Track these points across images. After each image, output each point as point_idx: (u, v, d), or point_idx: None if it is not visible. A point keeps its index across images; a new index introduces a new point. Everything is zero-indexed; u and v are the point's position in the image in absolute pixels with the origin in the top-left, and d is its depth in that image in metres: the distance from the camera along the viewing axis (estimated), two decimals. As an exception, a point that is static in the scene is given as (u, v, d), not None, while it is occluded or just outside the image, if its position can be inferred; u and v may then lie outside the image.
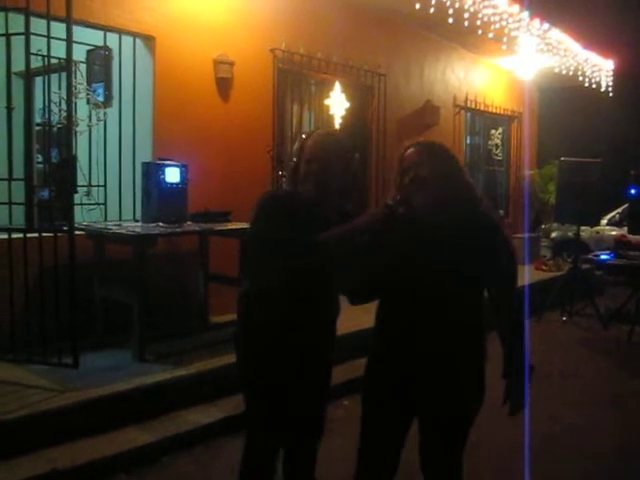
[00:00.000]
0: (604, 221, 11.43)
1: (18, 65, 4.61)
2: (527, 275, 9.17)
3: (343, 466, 2.73)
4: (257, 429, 2.78)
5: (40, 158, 5.44)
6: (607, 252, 10.61)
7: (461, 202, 2.42)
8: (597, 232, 11.61)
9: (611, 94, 10.97)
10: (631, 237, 9.53)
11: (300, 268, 2.53)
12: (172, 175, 5.36)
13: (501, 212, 11.31)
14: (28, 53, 4.45)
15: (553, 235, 12.21)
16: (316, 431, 2.88)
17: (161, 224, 5.15)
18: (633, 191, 8.09)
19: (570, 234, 10.37)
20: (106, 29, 5.48)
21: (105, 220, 5.61)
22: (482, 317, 2.49)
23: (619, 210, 11.73)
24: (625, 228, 9.56)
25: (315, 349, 2.74)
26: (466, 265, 2.38)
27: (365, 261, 2.49)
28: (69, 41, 4.47)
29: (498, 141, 11.09)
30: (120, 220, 5.59)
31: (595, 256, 10.57)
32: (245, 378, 2.80)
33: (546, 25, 8.73)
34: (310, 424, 2.86)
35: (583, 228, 9.06)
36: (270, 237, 2.54)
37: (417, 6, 7.14)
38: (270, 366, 2.68)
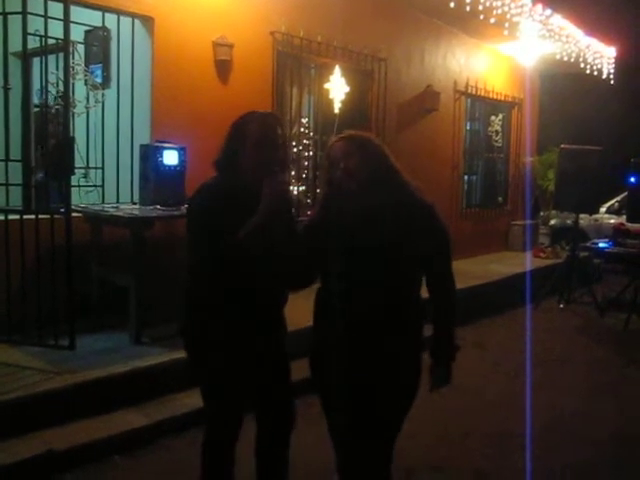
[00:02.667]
0: (603, 209, 11.44)
1: (15, 45, 4.58)
2: (527, 262, 9.20)
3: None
4: (209, 415, 2.83)
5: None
6: (605, 240, 10.61)
7: (388, 186, 2.49)
8: (596, 220, 11.62)
9: (612, 82, 10.92)
10: (630, 225, 9.51)
11: (228, 263, 2.53)
12: (170, 158, 5.33)
13: (500, 199, 11.30)
14: (25, 33, 4.42)
15: (552, 222, 12.21)
16: (284, 416, 2.84)
17: (159, 207, 5.13)
18: (633, 179, 8.07)
19: (569, 222, 10.37)
20: (104, 9, 5.43)
21: (102, 202, 5.60)
22: (417, 300, 2.54)
23: (618, 198, 11.73)
24: (624, 216, 9.56)
25: (256, 331, 2.69)
26: (396, 245, 2.41)
27: (295, 250, 2.55)
28: (67, 21, 4.44)
29: (498, 127, 11.04)
30: (118, 203, 5.57)
31: (593, 244, 10.57)
32: (194, 364, 2.83)
33: (548, 11, 8.68)
34: (275, 408, 2.83)
35: (582, 216, 9.05)
36: (202, 232, 2.59)
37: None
38: (215, 349, 2.69)
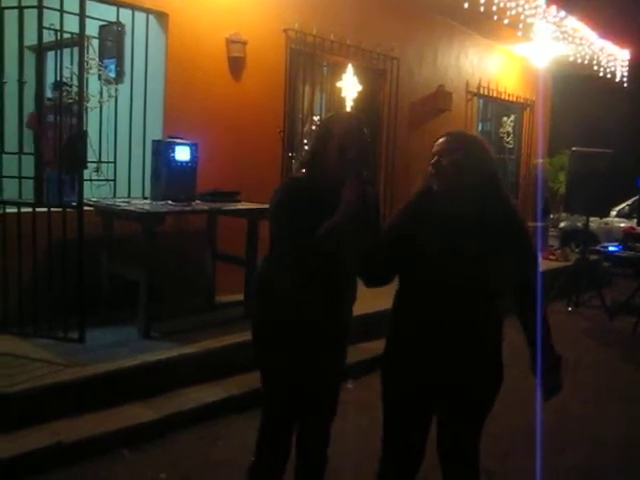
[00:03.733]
0: (613, 212, 11.39)
1: (30, 39, 4.59)
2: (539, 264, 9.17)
3: (347, 446, 2.75)
4: (268, 407, 2.79)
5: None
6: (615, 244, 10.59)
7: (483, 194, 2.42)
8: (606, 223, 11.58)
9: (625, 84, 10.87)
10: (640, 229, 9.50)
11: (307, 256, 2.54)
12: (182, 153, 5.35)
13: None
14: (41, 27, 4.43)
15: (562, 225, 12.18)
16: (328, 411, 2.88)
17: (170, 202, 5.15)
18: (644, 183, 8.05)
19: (579, 224, 10.34)
20: (119, 5, 5.45)
21: (114, 197, 5.61)
22: (498, 305, 2.52)
23: (629, 202, 11.68)
24: (634, 220, 9.53)
25: (326, 327, 2.71)
26: (482, 257, 2.37)
27: (377, 249, 2.50)
28: (82, 16, 4.45)
29: (510, 129, 11.01)
30: (129, 197, 5.59)
31: (603, 247, 10.55)
32: (258, 356, 2.80)
33: (562, 13, 8.65)
34: (322, 403, 2.85)
35: (592, 219, 9.02)
36: (284, 226, 2.59)
37: (433, -10, 7.07)
38: (281, 344, 2.69)
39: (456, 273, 2.37)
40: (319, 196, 2.55)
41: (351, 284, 2.78)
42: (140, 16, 5.64)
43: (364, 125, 2.73)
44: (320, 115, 7.59)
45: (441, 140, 2.51)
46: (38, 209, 4.63)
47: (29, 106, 4.77)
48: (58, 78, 4.72)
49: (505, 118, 10.91)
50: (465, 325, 2.42)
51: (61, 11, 4.46)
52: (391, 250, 2.48)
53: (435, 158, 2.45)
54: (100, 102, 5.67)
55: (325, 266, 2.55)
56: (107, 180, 5.70)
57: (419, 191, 2.52)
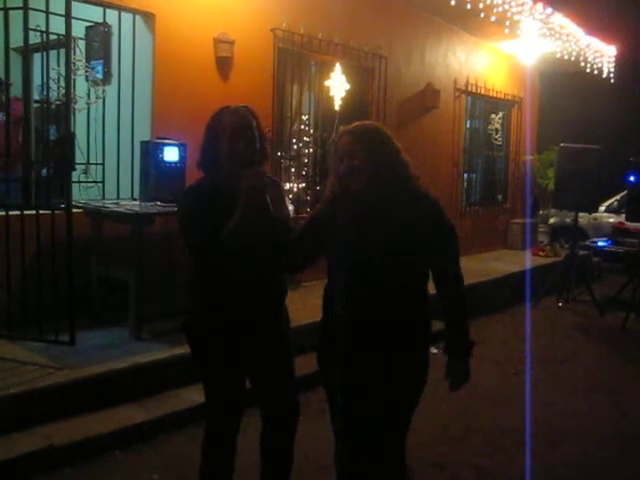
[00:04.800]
0: (602, 208, 11.44)
1: (16, 41, 4.57)
2: (527, 260, 9.21)
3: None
4: (210, 410, 2.83)
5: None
6: (605, 239, 10.65)
7: (395, 182, 2.46)
8: (595, 219, 11.63)
9: (612, 80, 10.92)
10: (629, 224, 9.55)
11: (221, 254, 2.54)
12: (170, 154, 5.34)
13: (499, 197, 11.31)
14: (26, 28, 4.42)
15: (551, 221, 12.23)
16: (289, 411, 2.83)
17: (159, 203, 5.14)
18: (632, 178, 8.08)
19: (568, 220, 10.39)
20: (105, 5, 5.43)
21: (103, 198, 5.60)
22: (426, 297, 2.53)
23: (617, 197, 11.74)
24: (623, 215, 9.57)
25: (254, 326, 2.68)
26: (403, 241, 2.40)
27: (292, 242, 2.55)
28: (68, 17, 4.43)
29: (498, 126, 11.05)
30: (118, 198, 5.58)
31: (593, 243, 10.61)
32: (194, 361, 2.83)
33: (549, 9, 8.66)
34: (279, 403, 2.82)
35: (581, 214, 9.05)
36: (192, 234, 2.62)
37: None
38: (210, 347, 2.71)
39: (377, 263, 2.40)
40: (219, 198, 2.55)
41: (276, 281, 2.76)
42: (127, 17, 5.62)
43: (254, 116, 2.70)
44: (309, 114, 7.59)
45: (345, 139, 2.49)
46: (26, 211, 4.61)
47: (16, 108, 4.75)
48: (45, 80, 4.70)
49: (493, 115, 10.95)
50: (391, 310, 2.43)
51: (47, 12, 4.44)
52: (307, 243, 2.54)
53: (346, 160, 2.44)
54: (88, 103, 5.66)
55: (238, 265, 2.56)
56: (96, 182, 5.69)
57: (333, 186, 2.53)
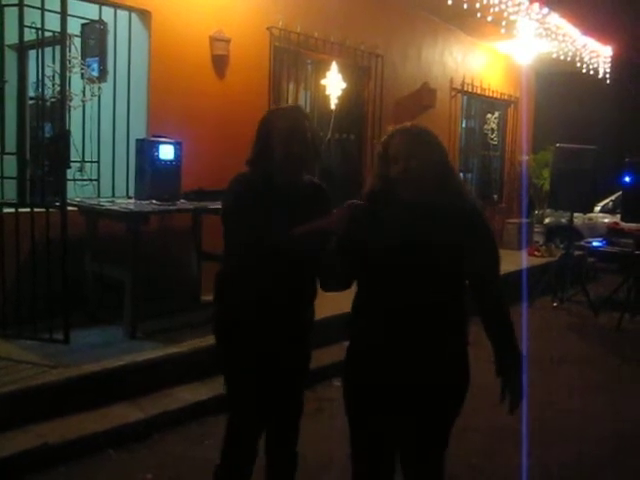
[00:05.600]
0: (597, 208, 11.46)
1: (11, 37, 4.55)
2: (522, 260, 9.21)
3: (330, 445, 2.74)
4: (234, 410, 2.77)
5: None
6: (600, 239, 10.66)
7: (446, 190, 2.36)
8: (590, 219, 11.65)
9: (608, 81, 10.94)
10: (624, 225, 9.54)
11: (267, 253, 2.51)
12: (166, 152, 5.32)
13: (495, 197, 11.32)
14: (22, 25, 4.40)
15: (546, 221, 12.24)
16: (295, 409, 2.83)
17: (154, 202, 5.12)
18: (627, 179, 8.09)
19: (563, 220, 10.39)
20: (101, 3, 5.42)
21: (98, 196, 5.58)
22: (464, 306, 2.43)
23: (612, 198, 11.75)
24: (618, 216, 9.58)
25: (285, 326, 2.67)
26: (448, 253, 2.31)
27: (337, 258, 2.43)
28: (64, 14, 4.42)
29: (494, 125, 11.06)
30: (113, 197, 5.56)
31: (587, 243, 10.61)
32: (220, 359, 2.79)
33: (545, 9, 8.68)
34: (288, 402, 2.81)
35: (576, 215, 9.07)
36: (240, 222, 2.57)
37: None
38: (240, 347, 2.68)
39: (416, 272, 2.31)
40: (270, 189, 2.55)
41: (310, 284, 2.72)
42: (122, 14, 5.61)
43: (307, 117, 2.72)
44: (305, 113, 7.57)
45: (399, 139, 2.38)
46: (21, 209, 4.59)
47: (11, 106, 4.72)
48: (40, 77, 4.68)
49: (489, 115, 10.96)
50: (429, 314, 2.34)
51: (42, 9, 4.42)
52: (345, 254, 2.41)
53: (400, 163, 2.32)
54: (83, 101, 5.64)
55: (285, 266, 2.53)
56: (91, 180, 5.67)
57: (371, 193, 2.44)
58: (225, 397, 2.79)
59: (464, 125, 10.52)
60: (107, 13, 5.55)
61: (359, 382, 2.46)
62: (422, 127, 2.47)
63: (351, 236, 2.37)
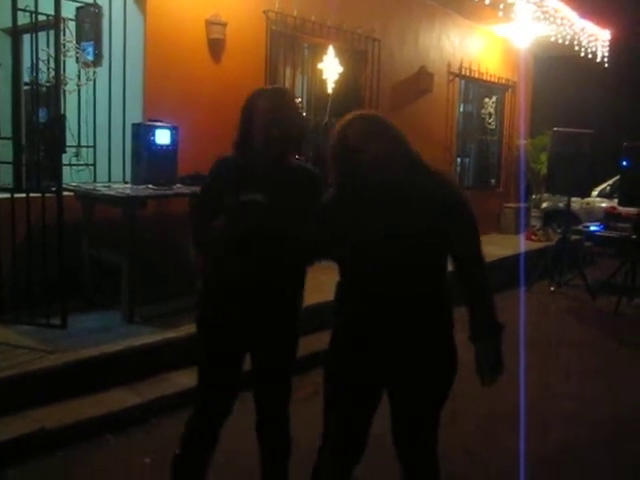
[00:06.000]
0: (595, 193, 11.45)
1: (5, 21, 4.52)
2: (520, 244, 9.22)
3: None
4: (204, 389, 2.76)
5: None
6: (597, 223, 10.66)
7: (417, 170, 2.35)
8: (587, 203, 11.64)
9: (606, 65, 10.89)
10: (621, 209, 9.55)
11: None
12: (162, 137, 5.30)
13: (492, 181, 11.31)
14: (15, 9, 4.36)
15: (543, 205, 12.23)
16: (281, 395, 2.77)
17: (151, 186, 5.11)
18: (625, 163, 8.08)
19: (561, 205, 10.38)
20: (96, -14, 5.38)
21: (94, 181, 5.56)
22: (446, 282, 2.41)
23: (610, 182, 11.74)
24: (615, 200, 9.58)
25: (263, 316, 2.62)
26: (422, 227, 2.29)
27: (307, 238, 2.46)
28: (58, -3, 4.38)
29: (491, 110, 11.02)
30: (109, 181, 5.54)
31: (585, 227, 10.62)
32: (198, 346, 2.79)
33: (543, -8, 8.63)
34: (273, 388, 2.76)
35: (574, 199, 9.06)
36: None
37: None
38: (217, 338, 2.70)
39: (394, 250, 2.29)
40: (247, 176, 2.51)
41: (290, 270, 2.66)
42: (117, -3, 5.56)
43: (292, 99, 2.65)
44: (301, 97, 7.54)
45: (357, 129, 2.33)
46: (17, 194, 4.58)
47: (5, 90, 4.71)
48: (34, 61, 4.65)
49: (487, 99, 10.92)
50: (414, 299, 2.32)
51: (36, -8, 4.38)
52: (322, 238, 2.43)
53: (366, 151, 2.29)
54: (78, 85, 5.60)
55: (256, 252, 2.52)
56: (87, 164, 5.65)
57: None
58: (197, 384, 2.79)
59: (462, 109, 10.48)
60: (102, -4, 5.51)
61: (345, 370, 2.45)
62: (373, 113, 2.49)
63: (326, 225, 2.39)
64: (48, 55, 4.94)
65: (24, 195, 4.55)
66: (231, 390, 2.74)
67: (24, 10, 4.52)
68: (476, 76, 10.19)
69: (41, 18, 4.57)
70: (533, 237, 10.30)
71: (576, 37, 9.92)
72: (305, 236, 2.46)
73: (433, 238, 2.31)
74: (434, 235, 2.31)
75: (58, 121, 4.61)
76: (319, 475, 2.63)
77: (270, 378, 2.77)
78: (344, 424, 2.50)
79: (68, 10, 5.41)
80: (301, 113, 2.67)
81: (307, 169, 2.74)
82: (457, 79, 9.89)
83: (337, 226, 2.36)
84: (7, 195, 4.59)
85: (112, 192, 4.88)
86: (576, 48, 10.12)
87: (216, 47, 6.20)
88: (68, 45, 5.54)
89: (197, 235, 2.69)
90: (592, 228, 10.52)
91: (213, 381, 2.73)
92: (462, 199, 2.43)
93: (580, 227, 10.63)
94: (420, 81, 8.91)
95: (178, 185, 5.31)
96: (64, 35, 5.29)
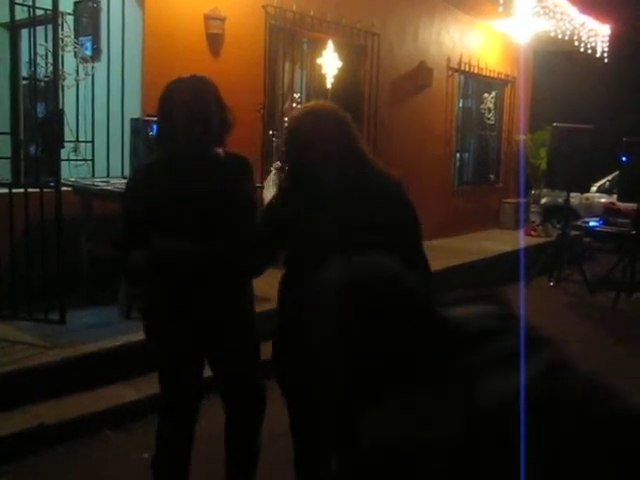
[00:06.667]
0: (594, 188, 11.45)
1: (2, 16, 4.51)
2: (519, 240, 9.22)
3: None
4: (167, 397, 2.71)
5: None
6: (596, 219, 10.66)
7: (350, 162, 2.33)
8: (587, 199, 11.63)
9: (606, 60, 10.87)
10: (620, 205, 9.55)
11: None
12: (161, 132, 5.28)
13: (492, 176, 11.30)
14: (13, 3, 4.34)
15: (543, 201, 12.23)
16: (253, 401, 2.72)
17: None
18: (624, 158, 8.08)
19: (560, 200, 10.37)
20: (94, -20, 5.36)
21: (93, 176, 5.55)
22: None
23: (609, 177, 11.73)
24: (615, 195, 9.58)
25: (216, 304, 2.54)
26: (360, 222, 2.26)
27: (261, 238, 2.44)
28: (55, -9, 4.36)
29: (491, 105, 11.00)
30: (108, 177, 5.53)
31: (584, 223, 10.62)
32: (149, 343, 2.73)
33: (543, -13, 8.61)
34: (245, 386, 2.70)
35: (573, 195, 9.06)
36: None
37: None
38: (169, 325, 2.60)
39: (333, 244, 2.25)
40: (165, 173, 2.44)
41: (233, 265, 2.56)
42: (116, -8, 5.54)
43: (208, 88, 2.51)
44: (300, 92, 7.53)
45: (308, 125, 2.31)
46: (15, 189, 4.57)
47: (3, 85, 4.69)
48: (32, 56, 4.64)
49: (486, 94, 10.90)
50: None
51: (34, -14, 4.37)
52: (274, 234, 2.43)
53: (316, 149, 2.28)
54: (77, 80, 5.59)
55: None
56: (85, 160, 5.63)
57: (293, 176, 2.41)
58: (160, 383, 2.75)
59: (461, 105, 10.47)
60: (100, -9, 5.49)
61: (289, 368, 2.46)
62: (325, 105, 2.45)
63: (276, 220, 2.41)
64: (46, 50, 4.92)
65: (22, 190, 4.55)
66: (193, 392, 2.69)
67: (22, 5, 4.51)
68: (475, 71, 10.17)
69: (39, 13, 4.56)
70: (532, 232, 10.30)
71: (576, 32, 9.89)
72: (257, 227, 2.46)
73: (377, 234, 2.26)
74: (378, 232, 2.26)
75: (56, 116, 4.59)
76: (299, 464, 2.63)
77: (231, 381, 2.72)
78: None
79: (66, 4, 5.40)
80: (222, 101, 2.56)
81: (236, 155, 2.64)
82: (456, 74, 9.87)
83: (286, 218, 2.36)
84: (5, 190, 4.58)
85: (110, 187, 4.87)
86: (576, 43, 10.09)
87: (215, 42, 6.18)
88: (66, 40, 5.53)
89: (118, 250, 2.62)
90: (591, 224, 10.53)
91: (174, 384, 2.68)
92: (409, 202, 2.42)
93: (579, 223, 10.64)
94: (419, 76, 8.89)
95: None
96: (62, 30, 5.28)
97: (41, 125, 4.68)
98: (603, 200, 11.41)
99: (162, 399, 2.74)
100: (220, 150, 2.56)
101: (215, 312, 2.56)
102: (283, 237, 2.42)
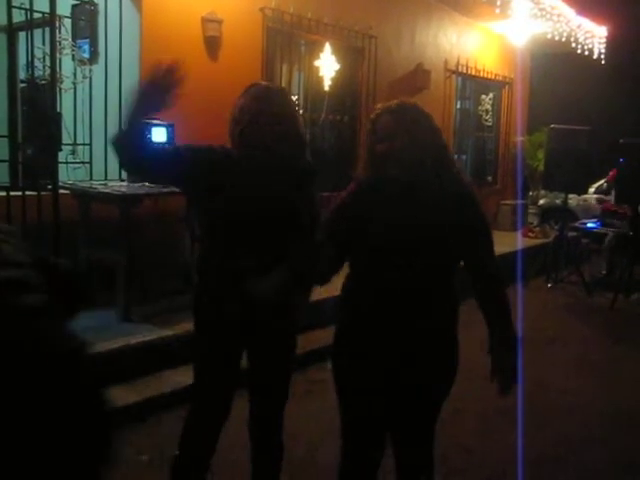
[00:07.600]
0: (592, 189, 11.46)
1: (0, 19, 4.50)
2: (517, 241, 9.23)
3: (318, 427, 2.73)
4: (197, 395, 2.72)
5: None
6: (594, 220, 10.66)
7: (433, 165, 2.32)
8: (584, 200, 11.64)
9: (603, 62, 10.89)
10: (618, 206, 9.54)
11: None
12: (158, 135, 5.28)
13: (489, 178, 11.31)
14: (10, 6, 4.35)
15: (541, 202, 12.24)
16: (278, 395, 2.74)
17: (147, 184, 5.09)
18: (621, 160, 8.08)
19: (558, 202, 10.39)
20: (91, -17, 5.36)
21: (90, 179, 5.55)
22: (454, 287, 2.40)
23: (607, 179, 11.74)
24: (612, 197, 9.59)
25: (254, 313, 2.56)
26: (437, 229, 2.28)
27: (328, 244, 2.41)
28: (53, -6, 4.37)
29: (488, 107, 11.03)
30: (106, 179, 5.53)
31: (582, 224, 10.62)
32: (195, 345, 2.76)
33: (540, -11, 8.63)
34: (270, 388, 2.73)
35: (571, 196, 9.07)
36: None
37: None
38: (209, 328, 2.66)
39: (407, 249, 2.28)
40: (228, 165, 2.58)
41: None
42: (113, -5, 5.54)
43: (278, 98, 2.59)
44: (298, 95, 7.53)
45: (385, 119, 2.34)
46: (12, 192, 4.56)
47: (1, 88, 4.69)
48: (30, 59, 4.65)
49: (484, 96, 10.92)
50: (421, 294, 2.30)
51: (31, -10, 4.37)
52: (339, 239, 2.38)
53: (385, 143, 2.29)
54: (74, 83, 5.59)
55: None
56: (83, 162, 5.63)
57: (364, 177, 2.39)
58: (193, 385, 2.75)
59: (458, 106, 10.49)
60: (97, -6, 5.49)
61: (349, 364, 2.43)
62: (409, 105, 2.43)
63: (346, 218, 2.36)
64: (44, 53, 4.93)
65: (20, 193, 4.54)
66: (229, 390, 2.69)
67: (19, 8, 4.50)
68: (473, 73, 10.19)
69: (36, 16, 4.56)
70: (530, 234, 10.31)
71: (573, 34, 9.92)
72: (324, 229, 2.43)
73: (443, 240, 2.29)
74: (444, 237, 2.29)
75: (54, 119, 4.59)
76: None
77: (266, 378, 2.73)
78: (358, 426, 2.44)
79: (64, 7, 5.40)
80: (290, 115, 2.60)
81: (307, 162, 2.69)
82: (454, 76, 9.89)
83: (353, 219, 2.34)
84: (3, 193, 4.57)
85: (108, 190, 4.87)
86: (573, 45, 10.12)
87: (212, 44, 6.19)
88: (64, 43, 5.53)
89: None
90: (589, 225, 10.52)
91: (211, 381, 2.67)
92: (476, 204, 2.41)
93: (577, 224, 10.64)
94: (417, 78, 8.91)
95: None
96: (60, 33, 5.29)
97: (38, 128, 4.68)
98: (601, 201, 11.40)
99: (198, 394, 2.74)
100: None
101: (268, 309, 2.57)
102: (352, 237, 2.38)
